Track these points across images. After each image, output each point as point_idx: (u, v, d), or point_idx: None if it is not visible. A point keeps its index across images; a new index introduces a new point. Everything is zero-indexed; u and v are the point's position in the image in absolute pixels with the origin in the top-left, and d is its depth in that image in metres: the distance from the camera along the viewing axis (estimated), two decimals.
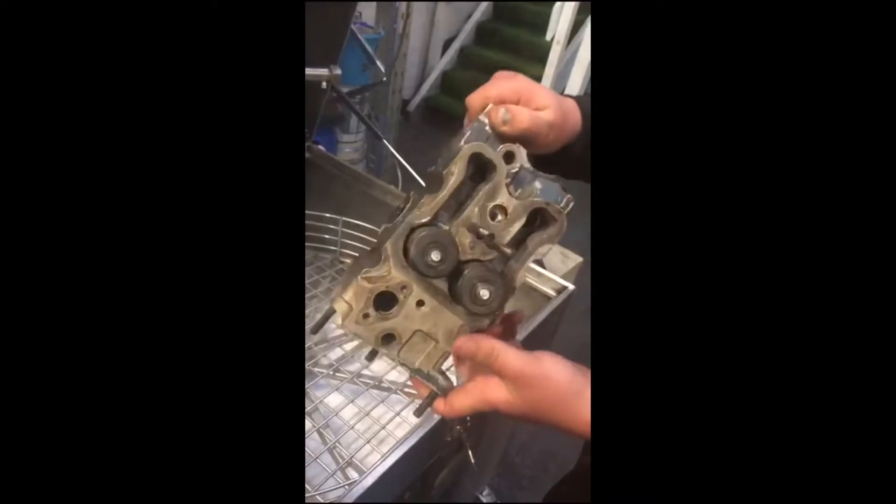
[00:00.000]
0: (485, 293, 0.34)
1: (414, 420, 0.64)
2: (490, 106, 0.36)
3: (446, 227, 0.34)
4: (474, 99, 0.37)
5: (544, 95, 0.38)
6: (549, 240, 0.35)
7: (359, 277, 0.33)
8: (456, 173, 0.33)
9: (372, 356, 0.39)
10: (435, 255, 0.33)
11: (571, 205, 0.35)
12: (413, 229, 0.34)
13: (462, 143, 0.34)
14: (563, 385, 0.33)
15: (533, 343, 0.63)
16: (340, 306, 0.34)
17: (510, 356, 0.34)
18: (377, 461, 0.49)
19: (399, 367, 0.37)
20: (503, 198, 0.34)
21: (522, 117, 0.35)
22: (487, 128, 0.35)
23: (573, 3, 2.45)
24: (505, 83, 0.37)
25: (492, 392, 0.35)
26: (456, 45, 3.22)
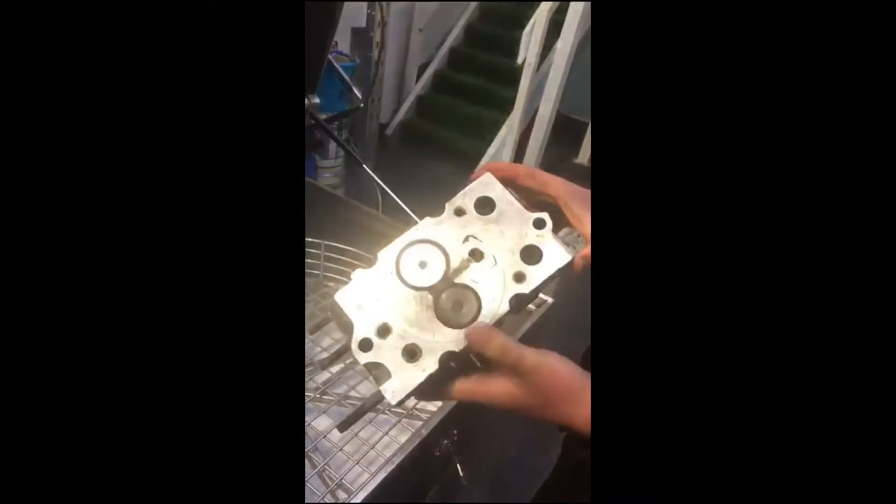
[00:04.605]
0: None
1: (403, 439, 0.65)
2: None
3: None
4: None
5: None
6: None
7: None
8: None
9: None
10: None
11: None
12: None
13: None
14: (569, 378, 0.35)
15: None
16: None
17: (524, 349, 0.35)
18: (366, 480, 0.49)
19: None
20: None
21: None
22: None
23: (542, 29, 2.53)
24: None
25: (495, 385, 0.36)
26: (430, 70, 3.28)
